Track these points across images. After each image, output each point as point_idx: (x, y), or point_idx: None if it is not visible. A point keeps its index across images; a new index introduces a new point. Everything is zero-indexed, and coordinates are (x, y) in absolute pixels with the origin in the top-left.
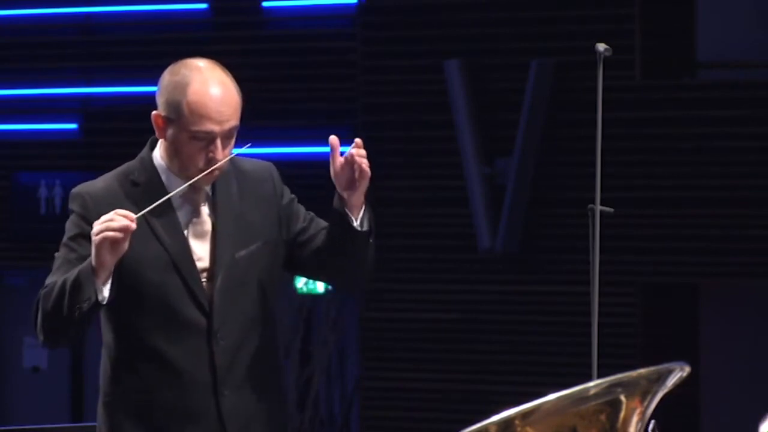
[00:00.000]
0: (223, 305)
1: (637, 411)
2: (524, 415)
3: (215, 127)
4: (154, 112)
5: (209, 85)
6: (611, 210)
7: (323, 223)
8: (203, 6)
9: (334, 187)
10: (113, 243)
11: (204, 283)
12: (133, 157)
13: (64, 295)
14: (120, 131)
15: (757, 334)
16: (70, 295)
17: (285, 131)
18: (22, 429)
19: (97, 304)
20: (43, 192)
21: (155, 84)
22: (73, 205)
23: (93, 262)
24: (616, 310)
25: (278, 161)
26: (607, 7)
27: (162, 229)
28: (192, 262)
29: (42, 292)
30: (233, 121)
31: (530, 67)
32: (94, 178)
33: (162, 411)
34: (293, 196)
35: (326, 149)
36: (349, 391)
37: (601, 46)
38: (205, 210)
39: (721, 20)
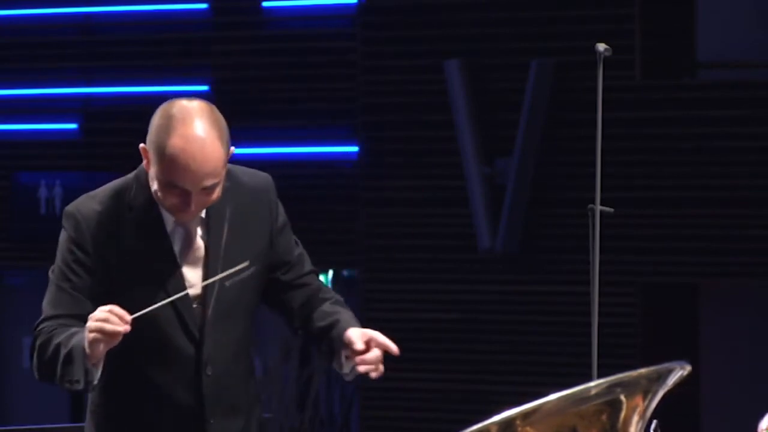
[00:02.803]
0: (213, 336)
1: (638, 411)
2: (525, 416)
3: (189, 187)
4: (141, 145)
5: (190, 141)
6: (611, 210)
7: (307, 267)
8: (203, 6)
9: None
10: (104, 342)
11: (195, 308)
12: (133, 157)
13: (56, 363)
14: (120, 131)
15: (757, 334)
16: (62, 368)
17: (285, 131)
18: (22, 429)
19: (88, 383)
20: (43, 192)
21: (155, 84)
22: (66, 224)
23: (86, 349)
24: (616, 310)
25: (278, 161)
26: (607, 7)
27: (155, 258)
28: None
29: (38, 339)
30: (211, 179)
31: (530, 67)
32: (94, 178)
33: (148, 429)
34: (287, 221)
35: (326, 149)
36: (349, 391)
37: (601, 46)
38: (198, 233)
39: (721, 20)
